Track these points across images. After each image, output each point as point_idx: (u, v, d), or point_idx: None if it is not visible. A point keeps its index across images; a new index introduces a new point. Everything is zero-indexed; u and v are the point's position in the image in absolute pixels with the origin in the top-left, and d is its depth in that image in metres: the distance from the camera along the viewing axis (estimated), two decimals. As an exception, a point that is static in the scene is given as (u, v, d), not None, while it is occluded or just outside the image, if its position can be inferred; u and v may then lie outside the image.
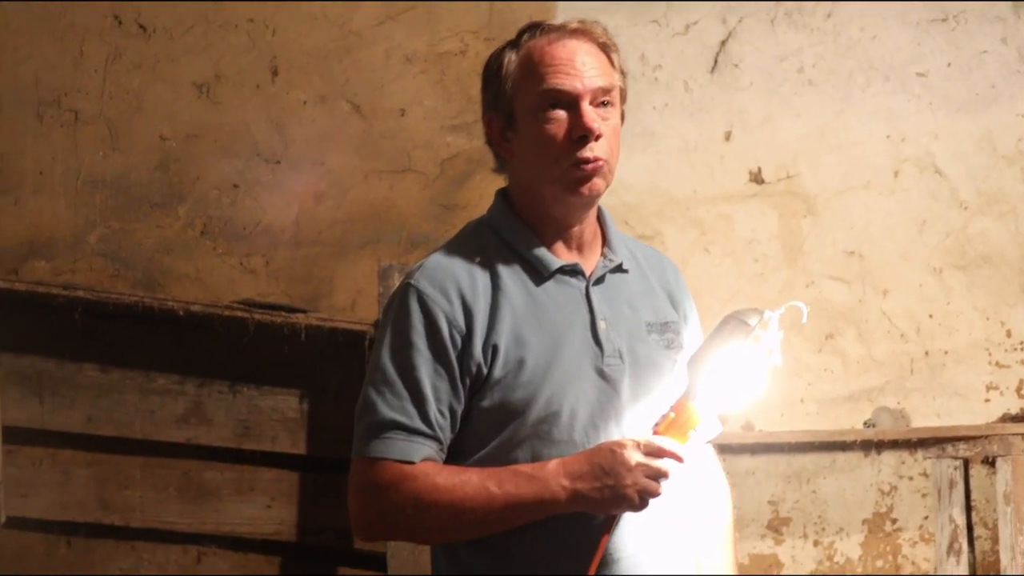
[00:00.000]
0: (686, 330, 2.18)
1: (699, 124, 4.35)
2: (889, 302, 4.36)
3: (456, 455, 2.01)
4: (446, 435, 2.00)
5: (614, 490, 1.90)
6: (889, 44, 4.43)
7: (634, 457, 1.90)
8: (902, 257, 4.37)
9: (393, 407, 1.97)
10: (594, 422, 2.01)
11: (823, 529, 4.28)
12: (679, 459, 1.93)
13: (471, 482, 1.93)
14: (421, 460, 1.96)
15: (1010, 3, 4.48)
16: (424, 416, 1.97)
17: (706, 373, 1.94)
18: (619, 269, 2.13)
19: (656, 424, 1.95)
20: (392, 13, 4.29)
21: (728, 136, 4.37)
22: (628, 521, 1.98)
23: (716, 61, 4.38)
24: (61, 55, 4.15)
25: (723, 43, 4.37)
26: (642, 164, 4.30)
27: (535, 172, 2.05)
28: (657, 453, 1.91)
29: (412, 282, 2.03)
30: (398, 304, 2.03)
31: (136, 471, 3.91)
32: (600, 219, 2.15)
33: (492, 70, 2.10)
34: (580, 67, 2.04)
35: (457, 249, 2.08)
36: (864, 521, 4.30)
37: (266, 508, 3.93)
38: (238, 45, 4.21)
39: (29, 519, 3.87)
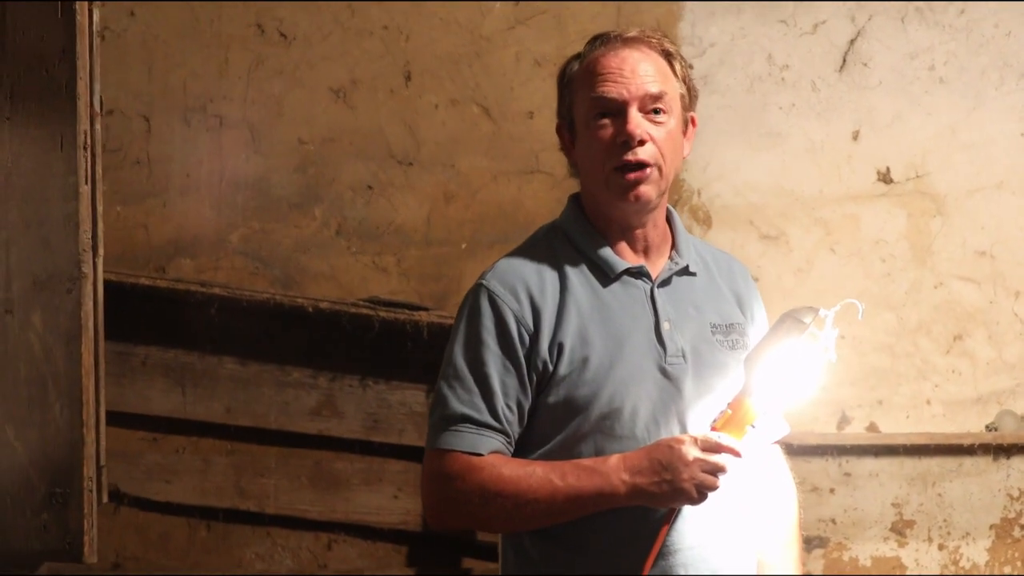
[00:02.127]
0: (752, 331, 2.23)
1: (826, 124, 4.34)
2: (1021, 304, 4.29)
3: (522, 449, 2.10)
4: (514, 429, 2.09)
5: (672, 484, 1.97)
6: (1024, 41, 4.36)
7: (691, 452, 1.97)
8: (1034, 258, 4.30)
9: (463, 401, 2.07)
10: (656, 419, 2.08)
11: (948, 533, 4.24)
12: (736, 454, 1.99)
13: (535, 474, 2.01)
14: (489, 452, 2.06)
15: None
16: (492, 410, 2.06)
17: (762, 370, 2.01)
18: (686, 272, 2.20)
19: (714, 421, 2.02)
20: (522, 17, 4.38)
21: (856, 136, 4.35)
22: (688, 515, 2.05)
23: (844, 60, 4.36)
24: (207, 63, 4.33)
25: (852, 42, 4.35)
26: (767, 164, 4.31)
27: (590, 178, 2.15)
28: (714, 448, 1.98)
29: (484, 282, 2.13)
30: (471, 303, 2.14)
31: (271, 460, 4.08)
32: (669, 221, 2.22)
33: (561, 81, 2.18)
34: (629, 75, 2.11)
35: (528, 251, 2.17)
36: (991, 526, 4.24)
37: (393, 498, 4.06)
38: (372, 51, 4.34)
39: (172, 503, 4.08)
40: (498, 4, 4.37)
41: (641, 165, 2.10)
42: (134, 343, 4.00)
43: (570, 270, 2.13)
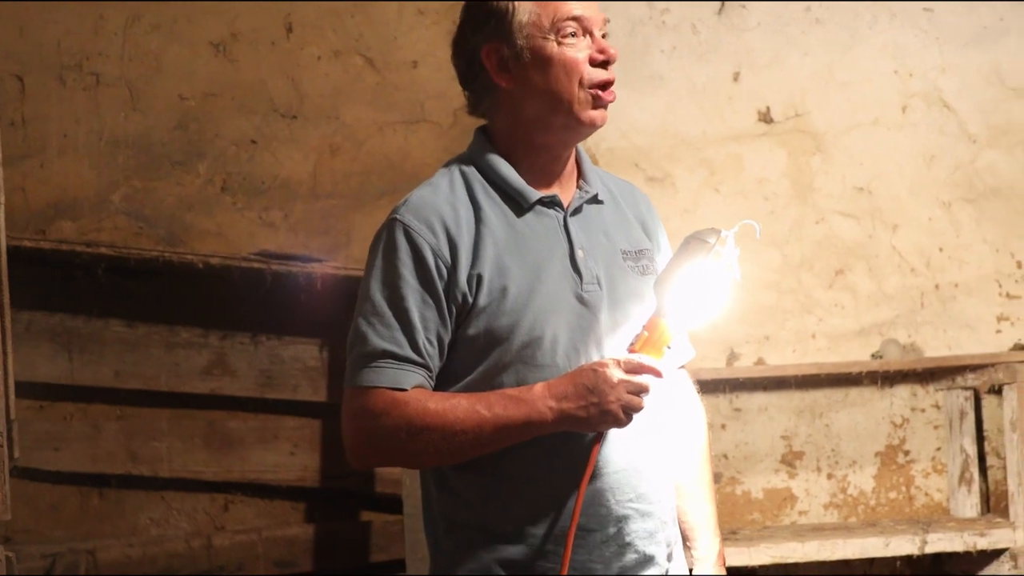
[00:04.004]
0: (659, 257, 2.25)
1: (707, 65, 4.39)
2: (899, 237, 4.40)
3: (443, 383, 2.10)
4: (435, 363, 2.08)
5: (599, 407, 1.99)
6: (896, -21, 4.44)
7: (616, 375, 1.99)
8: (911, 192, 4.40)
9: (383, 336, 2.05)
10: (575, 346, 2.08)
11: (836, 462, 4.36)
12: (658, 373, 2.01)
13: (461, 406, 2.01)
14: (412, 387, 2.04)
15: (1017, -66, 4.47)
16: (413, 344, 2.05)
17: (673, 291, 2.03)
18: (595, 200, 2.20)
19: (632, 343, 2.04)
20: (404, -35, 4.35)
21: (736, 77, 4.40)
22: (612, 437, 2.07)
23: (723, 3, 4.41)
24: (81, 20, 4.23)
25: (729, -16, 4.40)
26: (651, 107, 4.35)
27: (549, 100, 2.12)
28: (637, 370, 2.00)
29: (397, 216, 2.11)
30: (385, 238, 2.11)
31: (163, 423, 4.04)
32: (576, 152, 2.24)
33: (492, 3, 2.14)
34: None
35: (440, 184, 2.15)
36: (877, 454, 4.37)
37: (290, 455, 4.05)
38: (253, 3, 4.27)
39: (63, 472, 4.02)
40: (378, -47, 4.33)
41: (611, 83, 2.13)
42: (17, 308, 3.90)
43: (484, 201, 2.12)
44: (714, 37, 4.40)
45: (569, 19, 2.11)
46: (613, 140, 4.30)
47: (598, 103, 2.11)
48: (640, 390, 2.00)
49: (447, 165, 2.21)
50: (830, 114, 4.41)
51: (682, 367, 2.32)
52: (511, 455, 2.06)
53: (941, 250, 4.40)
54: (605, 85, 2.11)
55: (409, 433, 2.02)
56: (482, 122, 2.24)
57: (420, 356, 2.06)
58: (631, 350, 2.03)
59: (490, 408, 2.01)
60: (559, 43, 2.10)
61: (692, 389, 2.37)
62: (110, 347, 3.98)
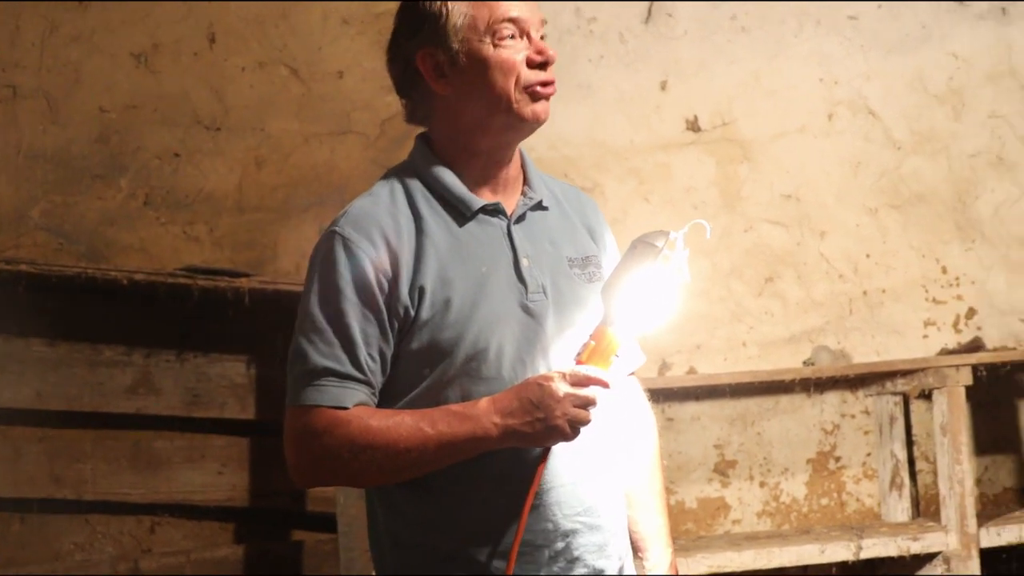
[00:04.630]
0: (606, 263, 2.21)
1: (635, 75, 4.39)
2: (827, 243, 4.43)
3: (388, 398, 2.05)
4: (377, 379, 2.04)
5: (545, 423, 1.95)
6: (820, -12, 4.47)
7: (561, 388, 1.95)
8: (838, 199, 4.44)
9: (324, 354, 2.00)
10: (521, 358, 2.05)
11: (769, 470, 4.37)
12: (605, 384, 1.97)
13: (404, 423, 1.97)
14: (354, 405, 2.00)
15: (938, -57, 4.52)
16: (355, 361, 2.00)
17: (620, 298, 1.99)
18: (539, 207, 2.17)
19: (578, 354, 2.00)
20: (327, -25, 4.30)
21: (664, 86, 4.40)
22: (560, 451, 2.03)
23: (650, 12, 4.41)
24: (-4, 30, 4.15)
25: (655, -7, 4.40)
26: (579, 116, 4.34)
27: (487, 103, 2.08)
28: (583, 382, 1.96)
29: (336, 229, 2.05)
30: (324, 252, 2.06)
31: (87, 444, 3.92)
32: (521, 158, 2.20)
33: (430, 5, 2.10)
34: None
35: (380, 195, 2.10)
36: (808, 460, 4.39)
37: (218, 475, 3.97)
38: (174, 13, 4.20)
39: (-19, 497, 3.90)
40: (302, -38, 4.28)
41: (550, 84, 2.10)
42: (-68, 329, 3.81)
43: (425, 211, 2.08)
44: (641, 46, 4.40)
45: (505, 20, 2.08)
46: (541, 151, 4.28)
47: (537, 96, 2.08)
48: (587, 403, 1.96)
49: (387, 175, 2.16)
50: (757, 122, 4.43)
51: (631, 374, 2.29)
52: (455, 473, 2.02)
53: (868, 256, 4.43)
54: (544, 86, 2.09)
55: (352, 452, 1.98)
56: (418, 130, 2.21)
57: (362, 373, 2.01)
58: (578, 361, 1.99)
59: (434, 425, 1.97)
60: (495, 45, 2.07)
61: (642, 396, 2.34)
62: (31, 367, 3.86)
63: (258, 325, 3.94)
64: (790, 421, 4.37)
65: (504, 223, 2.12)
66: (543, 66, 2.09)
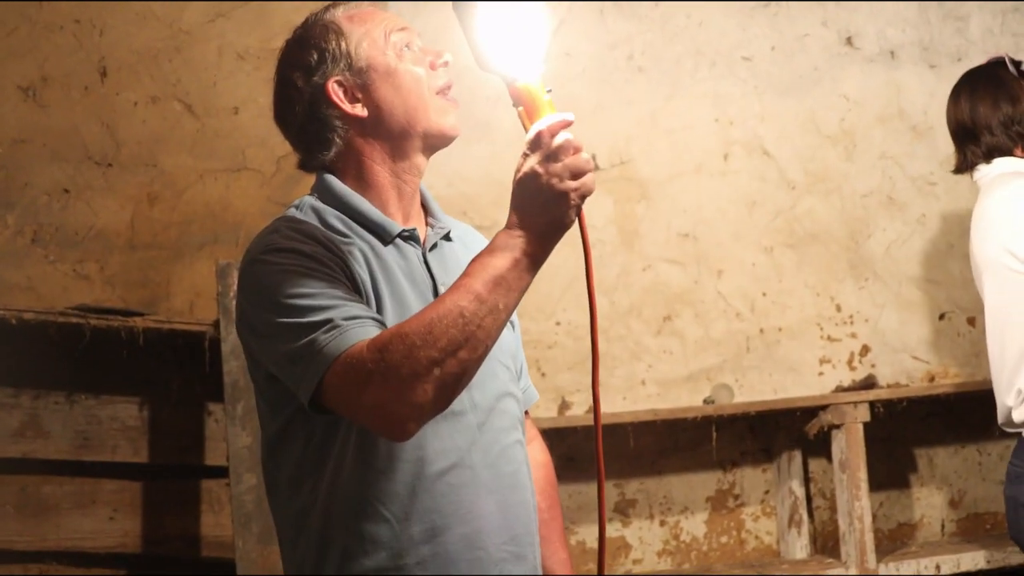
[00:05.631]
0: None
1: (534, 114, 4.38)
2: (724, 282, 4.46)
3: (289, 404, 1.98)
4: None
5: (553, 200, 1.84)
6: (715, 30, 4.53)
7: (548, 169, 1.84)
8: (734, 237, 4.48)
9: (321, 309, 1.87)
10: None
11: (669, 509, 4.37)
12: (568, 123, 1.86)
13: (445, 296, 1.83)
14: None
15: (829, -13, 4.61)
16: (353, 303, 1.90)
17: (495, 48, 1.91)
18: (448, 237, 2.17)
19: (523, 126, 1.89)
20: (223, 10, 4.24)
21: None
22: (482, 483, 2.01)
23: (548, 51, 4.41)
24: None
25: (553, 33, 4.41)
26: (478, 155, 4.33)
27: (405, 114, 2.08)
28: (544, 138, 1.85)
29: (273, 235, 1.99)
30: (261, 261, 1.96)
31: (-29, 489, 3.80)
32: (421, 193, 2.19)
33: (323, 36, 2.08)
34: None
35: (298, 219, 2.06)
36: (708, 499, 4.40)
37: (109, 520, 3.85)
38: (64, 46, 4.11)
39: None
40: (197, -5, 4.21)
41: (451, 87, 2.13)
42: None
43: (347, 235, 2.04)
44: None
45: (398, 31, 2.10)
46: (440, 188, 4.26)
47: (450, 108, 2.11)
48: (565, 150, 1.84)
49: (296, 205, 2.13)
50: (654, 161, 4.46)
51: (526, 412, 2.28)
52: (369, 509, 1.96)
53: (765, 295, 4.48)
54: (447, 89, 2.12)
55: (421, 339, 1.79)
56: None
57: (368, 312, 1.90)
58: (529, 129, 1.87)
59: (471, 279, 1.82)
60: (398, 56, 2.08)
61: (537, 435, 2.36)
62: (-88, 410, 3.73)
63: (152, 366, 3.85)
64: (689, 459, 4.39)
65: (419, 251, 2.11)
66: (447, 67, 2.13)
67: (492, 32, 1.89)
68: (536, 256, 1.86)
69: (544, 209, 1.85)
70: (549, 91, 1.90)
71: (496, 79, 1.93)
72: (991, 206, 3.19)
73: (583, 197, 1.85)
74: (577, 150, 1.84)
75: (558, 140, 1.83)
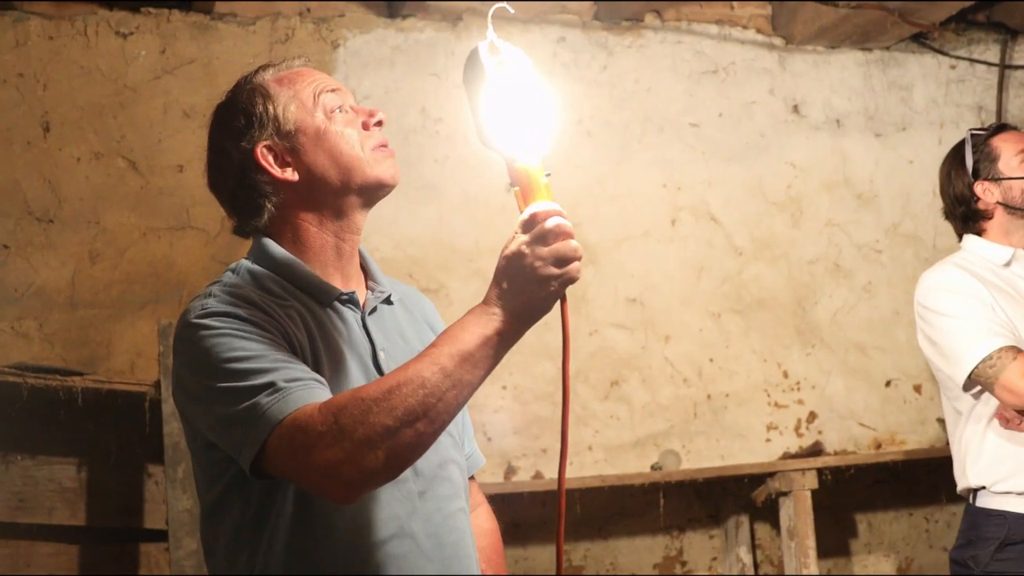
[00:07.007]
0: None
1: (480, 177, 4.38)
2: (671, 348, 4.45)
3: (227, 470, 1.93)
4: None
5: (535, 283, 1.80)
6: (663, 96, 4.56)
7: (535, 252, 1.80)
8: (682, 303, 4.48)
9: (266, 375, 1.83)
10: None
11: (616, 574, 4.33)
12: (560, 213, 1.82)
13: (408, 365, 1.78)
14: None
15: (776, 55, 4.66)
16: (296, 366, 1.86)
17: (499, 128, 1.87)
18: (388, 301, 2.13)
19: (522, 219, 1.84)
20: (169, 67, 4.20)
21: (509, 188, 4.38)
22: (427, 558, 1.96)
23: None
24: None
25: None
26: (425, 217, 4.31)
27: (339, 173, 2.04)
28: (537, 220, 1.81)
29: (208, 299, 1.94)
30: (202, 320, 1.92)
31: (-101, 553, 3.69)
32: (361, 256, 2.15)
33: (250, 100, 2.06)
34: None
35: (235, 283, 2.01)
36: (655, 565, 4.37)
37: (43, 584, 3.76)
38: (6, 100, 4.05)
39: None
40: (143, 52, 4.17)
41: (387, 143, 2.08)
42: None
43: (284, 298, 1.99)
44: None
45: (327, 92, 2.06)
46: (386, 251, 4.23)
47: (385, 156, 2.05)
48: (556, 235, 1.79)
49: (233, 268, 2.08)
50: (602, 226, 4.46)
51: (471, 477, 2.24)
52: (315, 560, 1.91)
53: (712, 360, 4.48)
54: (385, 144, 2.06)
55: (375, 402, 1.76)
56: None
57: (311, 375, 1.86)
58: (523, 220, 1.82)
59: (438, 349, 1.78)
60: (328, 117, 2.04)
61: (483, 500, 2.31)
62: None
63: (91, 427, 3.76)
64: (637, 525, 4.35)
65: (358, 314, 2.06)
66: (379, 125, 2.07)
67: (498, 110, 1.87)
68: (507, 336, 1.82)
69: (522, 290, 1.81)
70: (548, 175, 1.87)
71: (496, 155, 1.89)
72: None
73: (565, 285, 1.83)
74: (568, 236, 1.81)
75: (550, 224, 1.80)
